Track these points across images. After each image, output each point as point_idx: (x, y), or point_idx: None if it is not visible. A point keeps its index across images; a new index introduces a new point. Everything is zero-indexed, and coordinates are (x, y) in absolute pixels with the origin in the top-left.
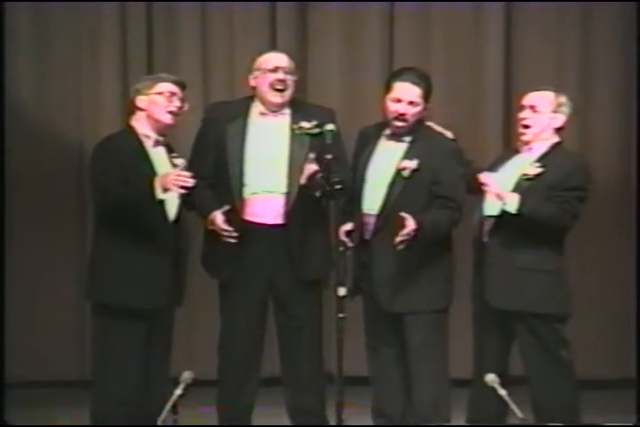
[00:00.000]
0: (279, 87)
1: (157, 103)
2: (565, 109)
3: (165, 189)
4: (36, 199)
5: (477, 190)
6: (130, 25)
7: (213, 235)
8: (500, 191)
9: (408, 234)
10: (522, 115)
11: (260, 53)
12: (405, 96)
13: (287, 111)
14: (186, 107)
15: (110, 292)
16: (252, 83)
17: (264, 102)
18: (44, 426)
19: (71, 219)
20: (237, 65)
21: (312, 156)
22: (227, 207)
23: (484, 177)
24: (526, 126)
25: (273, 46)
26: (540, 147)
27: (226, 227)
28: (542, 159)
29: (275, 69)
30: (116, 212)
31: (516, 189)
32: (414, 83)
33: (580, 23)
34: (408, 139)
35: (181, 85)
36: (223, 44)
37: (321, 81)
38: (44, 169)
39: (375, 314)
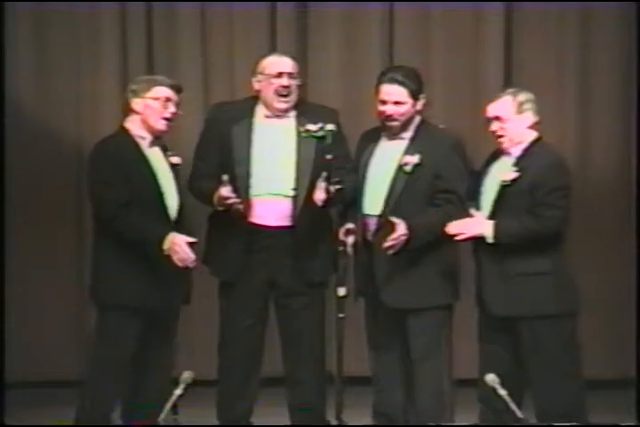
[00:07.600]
0: (284, 93)
1: (152, 108)
2: (529, 106)
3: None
4: (35, 199)
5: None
6: (130, 25)
7: (219, 231)
8: (470, 233)
9: (396, 238)
10: (491, 128)
11: (264, 56)
12: (390, 97)
13: (292, 114)
14: (180, 112)
15: (108, 290)
16: (257, 86)
17: (269, 107)
18: (43, 426)
19: (70, 218)
20: (237, 66)
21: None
22: (225, 177)
23: (451, 229)
24: (500, 136)
25: (273, 47)
26: (519, 147)
27: (230, 194)
28: (520, 161)
29: (279, 75)
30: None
31: (499, 196)
32: (399, 83)
33: (580, 24)
34: (408, 135)
35: (177, 90)
36: (223, 44)
37: (321, 82)
38: (42, 169)
39: (377, 313)
